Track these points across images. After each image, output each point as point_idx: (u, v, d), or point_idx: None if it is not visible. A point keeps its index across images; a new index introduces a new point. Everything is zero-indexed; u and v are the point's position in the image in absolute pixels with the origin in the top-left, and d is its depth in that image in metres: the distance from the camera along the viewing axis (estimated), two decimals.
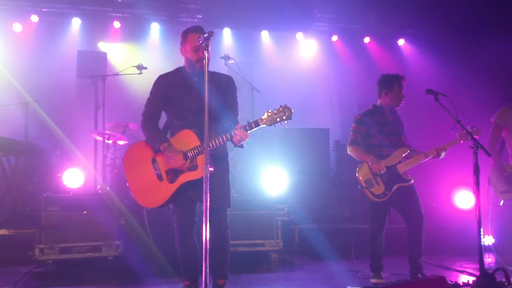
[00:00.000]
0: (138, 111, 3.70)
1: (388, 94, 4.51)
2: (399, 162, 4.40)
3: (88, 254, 4.94)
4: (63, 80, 7.64)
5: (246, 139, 3.32)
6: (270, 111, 3.27)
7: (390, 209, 4.54)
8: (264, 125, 3.29)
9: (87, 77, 6.88)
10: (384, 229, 4.54)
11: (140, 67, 6.46)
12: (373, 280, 4.51)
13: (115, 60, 7.90)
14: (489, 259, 5.68)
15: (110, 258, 5.03)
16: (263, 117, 3.28)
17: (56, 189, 5.79)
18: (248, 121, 3.31)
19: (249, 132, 3.31)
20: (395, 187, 4.36)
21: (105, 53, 7.55)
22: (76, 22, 8.15)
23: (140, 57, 7.54)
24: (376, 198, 4.41)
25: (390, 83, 4.51)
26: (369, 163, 4.42)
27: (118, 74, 6.65)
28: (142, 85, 6.90)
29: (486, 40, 7.37)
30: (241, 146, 3.41)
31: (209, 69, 3.13)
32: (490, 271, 3.85)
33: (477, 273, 4.05)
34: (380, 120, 4.52)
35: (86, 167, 6.33)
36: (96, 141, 6.77)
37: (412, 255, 4.41)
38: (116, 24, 8.28)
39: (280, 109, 3.26)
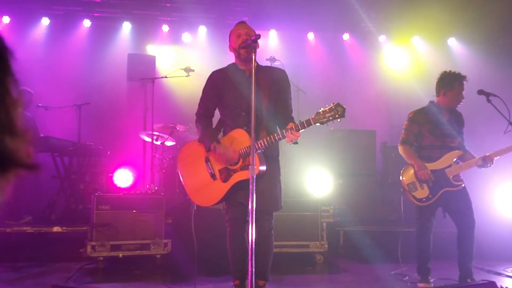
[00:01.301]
0: (185, 113, 3.81)
1: (446, 94, 4.31)
2: (449, 165, 4.24)
3: (137, 252, 5.10)
4: (114, 83, 7.91)
5: (298, 139, 3.27)
6: (322, 109, 3.19)
7: (436, 211, 4.40)
8: (317, 124, 3.21)
9: (137, 79, 7.09)
10: (431, 232, 4.39)
11: (188, 70, 6.58)
12: (421, 285, 4.42)
13: (163, 63, 8.10)
14: None
15: (158, 256, 5.17)
16: (315, 116, 3.20)
17: (107, 188, 6.01)
18: (300, 120, 3.26)
19: (301, 131, 3.26)
20: (441, 191, 4.22)
21: (154, 57, 7.77)
22: (126, 26, 8.41)
23: (188, 60, 7.70)
24: (419, 202, 4.29)
25: (451, 82, 4.28)
26: (415, 168, 4.29)
27: (166, 77, 6.81)
28: (189, 87, 7.09)
29: None
30: (296, 143, 3.34)
31: (256, 68, 3.15)
32: None
33: None
34: (434, 120, 4.33)
35: (135, 168, 6.52)
36: (144, 142, 6.95)
37: (462, 260, 4.28)
38: (165, 28, 8.49)
39: (332, 106, 3.17)
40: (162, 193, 5.56)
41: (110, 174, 5.98)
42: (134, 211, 5.17)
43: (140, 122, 7.00)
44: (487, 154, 4.18)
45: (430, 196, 4.25)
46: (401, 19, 8.71)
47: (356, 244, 5.95)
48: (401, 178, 4.43)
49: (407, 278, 4.67)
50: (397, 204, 6.84)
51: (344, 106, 3.18)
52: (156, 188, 6.20)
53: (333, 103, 3.20)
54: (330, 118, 3.17)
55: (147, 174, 6.83)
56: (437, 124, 4.32)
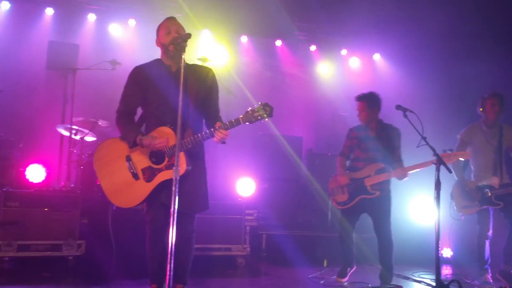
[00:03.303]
0: (109, 108, 3.60)
1: (376, 112, 4.82)
2: (368, 176, 4.70)
3: (48, 253, 4.78)
4: (31, 71, 7.35)
5: (226, 138, 3.24)
6: (250, 109, 3.20)
7: (358, 217, 4.86)
8: (245, 123, 3.22)
9: (57, 69, 6.68)
10: (352, 234, 4.84)
11: (114, 63, 6.31)
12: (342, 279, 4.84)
13: (88, 53, 7.66)
14: (446, 271, 5.86)
15: (70, 258, 4.87)
16: (243, 116, 3.20)
17: (17, 184, 5.58)
18: (229, 119, 3.23)
19: (229, 130, 3.24)
20: (358, 198, 4.72)
21: (78, 46, 7.32)
22: (49, 12, 7.91)
23: (115, 53, 7.36)
24: (339, 205, 4.87)
25: (379, 102, 4.82)
26: (337, 175, 4.89)
27: (90, 69, 6.47)
28: (115, 81, 6.76)
29: (455, 60, 7.60)
30: (223, 143, 3.31)
31: (186, 66, 3.08)
32: (445, 283, 4.02)
33: (434, 284, 4.28)
34: (363, 135, 4.83)
35: (50, 163, 6.12)
36: (62, 136, 6.56)
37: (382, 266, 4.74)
38: (91, 17, 8.09)
39: (261, 106, 3.19)
40: (78, 191, 5.26)
41: (22, 169, 5.56)
42: (46, 209, 4.85)
43: (58, 114, 6.60)
44: (401, 168, 4.59)
45: (348, 200, 4.79)
46: (331, 32, 8.97)
47: (278, 248, 6.00)
48: (329, 184, 4.99)
49: (323, 281, 4.80)
50: (318, 210, 6.98)
51: (272, 106, 3.21)
52: (72, 185, 5.87)
53: (261, 103, 3.22)
54: (259, 117, 3.19)
55: (63, 170, 6.44)
56: (363, 140, 4.83)
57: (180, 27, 3.44)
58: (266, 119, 3.21)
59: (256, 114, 3.18)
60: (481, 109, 5.18)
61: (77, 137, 6.27)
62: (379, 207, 4.69)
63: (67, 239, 4.85)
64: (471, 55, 7.27)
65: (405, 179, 4.61)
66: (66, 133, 6.32)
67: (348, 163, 4.96)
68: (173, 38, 3.30)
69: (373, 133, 4.79)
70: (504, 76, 7.03)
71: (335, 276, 4.94)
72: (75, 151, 6.34)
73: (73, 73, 6.40)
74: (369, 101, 4.78)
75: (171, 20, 3.48)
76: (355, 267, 4.96)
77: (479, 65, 7.05)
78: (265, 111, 3.18)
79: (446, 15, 6.95)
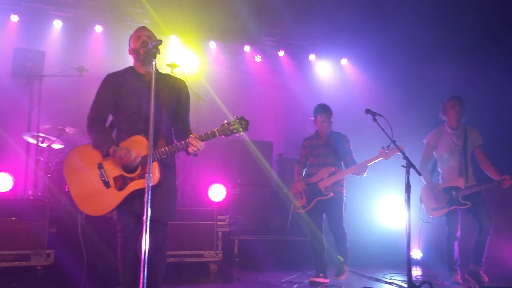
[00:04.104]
0: (76, 115, 3.55)
1: (315, 122, 5.32)
2: (321, 179, 5.11)
3: (16, 263, 4.67)
4: None
5: (201, 149, 3.25)
6: (226, 122, 3.23)
7: (321, 218, 5.20)
8: (221, 136, 3.24)
9: (23, 76, 6.54)
10: (320, 234, 5.15)
11: (81, 69, 6.24)
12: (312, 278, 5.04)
13: (54, 60, 7.53)
14: (417, 272, 5.94)
15: (39, 267, 4.78)
16: (219, 128, 3.23)
17: None
18: (204, 131, 3.25)
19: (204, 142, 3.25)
20: (314, 200, 5.11)
21: (44, 52, 7.19)
22: (14, 19, 7.74)
23: (82, 59, 7.27)
24: (299, 209, 5.26)
25: (315, 113, 5.29)
26: (294, 182, 5.30)
27: (57, 75, 6.36)
28: (82, 88, 6.68)
29: (420, 64, 7.79)
30: (195, 155, 3.32)
31: (157, 74, 3.08)
32: (417, 284, 4.10)
33: (405, 285, 4.31)
34: (314, 144, 5.31)
35: (16, 171, 5.98)
36: (28, 144, 6.43)
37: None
38: (57, 23, 7.97)
39: (237, 120, 3.23)
40: (46, 200, 5.16)
41: None
42: (13, 218, 4.74)
43: (24, 122, 6.46)
44: (355, 165, 5.00)
45: (306, 204, 5.19)
46: (299, 37, 9.09)
47: (250, 253, 6.03)
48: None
49: (296, 285, 4.84)
50: (289, 214, 7.05)
51: (248, 120, 3.25)
52: (40, 194, 5.75)
53: (236, 117, 3.26)
54: (234, 130, 3.23)
55: (30, 178, 6.30)
56: (316, 147, 5.29)
57: (151, 33, 3.45)
58: (242, 133, 3.25)
59: (231, 127, 3.22)
60: (443, 114, 5.32)
61: (44, 145, 6.16)
62: (333, 207, 5.12)
63: (36, 248, 4.75)
64: (433, 60, 7.50)
65: (364, 175, 4.99)
66: (32, 140, 6.20)
67: (305, 170, 5.40)
68: (143, 40, 3.31)
69: (322, 140, 5.28)
70: (465, 81, 7.26)
71: (307, 280, 5.05)
72: (42, 159, 6.23)
73: (39, 80, 6.28)
74: (330, 113, 5.27)
75: (142, 28, 3.50)
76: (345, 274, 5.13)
77: (442, 70, 7.29)
78: (241, 124, 3.23)
79: (410, 22, 7.14)
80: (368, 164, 4.91)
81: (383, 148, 4.72)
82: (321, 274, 5.05)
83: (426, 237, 6.15)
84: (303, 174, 5.36)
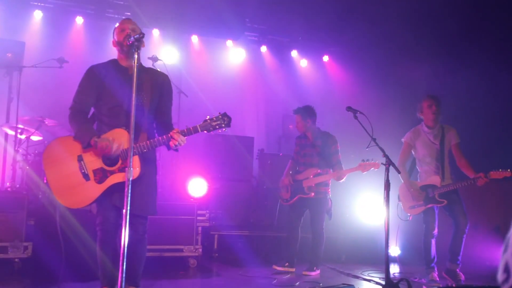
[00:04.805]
0: (56, 106, 3.51)
1: (309, 123, 5.49)
2: (306, 178, 5.37)
3: None
4: None
5: (183, 144, 3.27)
6: (209, 117, 3.26)
7: (301, 213, 5.50)
8: (203, 131, 3.27)
9: (2, 66, 6.43)
10: (296, 228, 5.46)
11: (61, 61, 6.17)
12: (278, 267, 5.34)
13: (33, 51, 7.42)
14: (394, 269, 5.98)
15: (16, 260, 4.73)
16: (202, 124, 3.26)
17: None
18: (186, 126, 3.26)
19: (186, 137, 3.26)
20: (296, 197, 5.42)
21: (24, 43, 7.08)
22: None
23: (62, 50, 7.18)
24: (283, 201, 5.62)
25: (312, 114, 5.50)
26: (283, 175, 5.62)
27: (36, 66, 6.28)
28: (62, 79, 6.61)
29: (399, 63, 7.86)
30: (176, 150, 3.34)
31: (140, 68, 3.08)
32: (395, 281, 4.12)
33: (383, 283, 4.31)
34: (303, 143, 5.56)
35: None
36: (7, 135, 6.34)
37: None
38: (37, 14, 7.84)
39: (219, 116, 3.26)
40: (24, 192, 5.11)
41: None
42: None
43: (3, 113, 6.37)
44: (336, 171, 5.29)
45: (289, 198, 5.50)
46: (281, 33, 9.11)
47: (230, 248, 6.05)
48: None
49: (275, 281, 4.88)
50: (270, 210, 7.10)
51: (230, 117, 3.29)
52: (18, 185, 5.68)
53: (219, 113, 3.29)
54: (217, 126, 3.26)
55: (7, 170, 6.21)
56: (304, 146, 5.55)
57: (135, 25, 3.44)
58: (224, 129, 3.29)
59: (214, 123, 3.25)
60: (420, 113, 5.40)
61: (23, 136, 6.08)
62: (315, 207, 5.39)
63: (13, 240, 4.70)
64: (412, 59, 7.59)
65: (342, 181, 5.30)
66: (11, 132, 6.11)
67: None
68: (127, 33, 3.29)
69: (309, 141, 5.51)
70: (443, 79, 7.39)
71: (288, 275, 5.17)
72: (20, 150, 6.14)
73: (18, 71, 6.18)
74: (302, 114, 5.48)
75: (126, 20, 3.50)
76: (318, 271, 5.38)
77: (420, 68, 7.39)
78: (223, 121, 3.26)
79: (389, 20, 7.22)
80: (346, 174, 5.21)
81: (362, 161, 4.97)
82: (286, 264, 5.33)
83: (404, 235, 6.21)
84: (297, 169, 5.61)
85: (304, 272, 5.29)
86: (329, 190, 5.43)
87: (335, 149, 5.42)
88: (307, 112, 5.48)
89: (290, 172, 5.60)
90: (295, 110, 5.54)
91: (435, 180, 5.15)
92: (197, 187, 6.09)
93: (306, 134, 5.54)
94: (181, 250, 5.38)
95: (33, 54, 7.05)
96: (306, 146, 5.50)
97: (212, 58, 9.00)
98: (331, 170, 5.39)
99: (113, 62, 3.51)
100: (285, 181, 5.57)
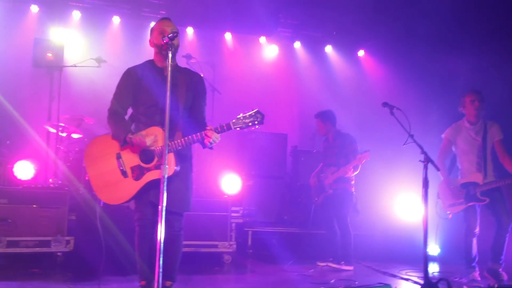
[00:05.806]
0: (95, 105, 3.60)
1: (328, 125, 5.84)
2: (326, 177, 5.71)
3: (37, 249, 4.80)
4: (18, 69, 7.30)
5: (217, 141, 3.30)
6: (242, 114, 3.27)
7: (328, 212, 5.76)
8: (236, 128, 3.28)
9: (44, 66, 6.65)
10: (333, 226, 5.68)
11: (99, 60, 6.31)
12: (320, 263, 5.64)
13: (73, 51, 7.64)
14: (433, 269, 5.82)
15: (59, 254, 4.91)
16: (235, 121, 3.27)
17: (6, 180, 5.57)
18: (220, 124, 3.30)
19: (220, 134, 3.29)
20: (322, 196, 5.76)
21: (63, 43, 7.31)
22: (34, 9, 7.85)
23: (99, 50, 7.36)
24: (314, 201, 5.98)
25: (331, 118, 5.83)
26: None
27: (76, 66, 6.46)
28: (100, 78, 6.77)
29: (439, 57, 7.64)
30: (211, 148, 3.38)
31: (175, 68, 3.11)
32: (433, 281, 3.98)
33: (422, 282, 4.21)
34: (326, 145, 5.94)
35: (37, 160, 6.11)
36: (49, 133, 6.55)
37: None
38: (76, 14, 8.06)
39: (252, 113, 3.27)
40: (66, 188, 5.28)
41: (10, 166, 5.55)
42: (34, 205, 4.86)
43: (45, 112, 6.58)
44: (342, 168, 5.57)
45: (317, 198, 5.87)
46: (315, 28, 9.03)
47: (264, 245, 6.08)
48: None
49: (312, 270, 4.88)
50: (304, 207, 7.09)
51: (263, 114, 3.29)
52: (60, 182, 5.87)
53: (253, 110, 3.29)
54: (249, 124, 3.27)
55: (50, 167, 6.43)
56: (326, 148, 5.93)
57: (174, 27, 3.48)
58: (257, 127, 3.28)
59: (247, 120, 3.26)
60: (462, 108, 5.24)
61: (64, 134, 6.28)
62: (334, 203, 5.65)
63: (56, 235, 4.88)
64: (453, 53, 7.37)
65: (349, 175, 5.59)
66: (53, 130, 6.32)
67: None
68: (165, 42, 3.25)
69: (329, 143, 5.85)
70: (487, 74, 7.12)
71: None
72: (62, 148, 6.35)
73: (59, 70, 6.38)
74: (322, 118, 5.82)
75: (165, 21, 3.52)
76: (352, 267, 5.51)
77: (462, 63, 7.15)
78: (256, 118, 3.26)
79: (429, 13, 7.02)
80: (349, 168, 5.50)
81: (360, 152, 5.46)
82: (342, 262, 5.51)
83: (444, 233, 6.01)
84: None
85: (329, 264, 5.56)
86: (351, 186, 5.62)
87: (354, 147, 5.67)
88: (327, 116, 5.82)
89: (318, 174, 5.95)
90: (316, 115, 5.89)
91: (477, 177, 4.98)
92: (231, 184, 6.14)
93: (327, 137, 5.88)
94: (216, 246, 5.44)
95: (72, 53, 7.25)
96: (327, 147, 5.87)
97: (245, 55, 9.02)
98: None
99: (150, 62, 3.58)
100: (311, 181, 5.97)
